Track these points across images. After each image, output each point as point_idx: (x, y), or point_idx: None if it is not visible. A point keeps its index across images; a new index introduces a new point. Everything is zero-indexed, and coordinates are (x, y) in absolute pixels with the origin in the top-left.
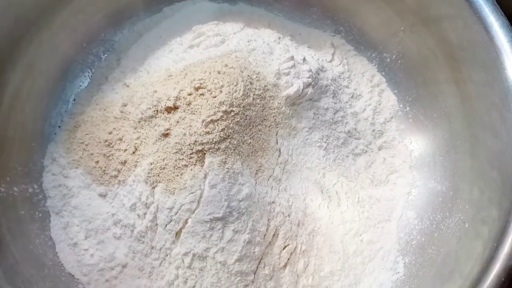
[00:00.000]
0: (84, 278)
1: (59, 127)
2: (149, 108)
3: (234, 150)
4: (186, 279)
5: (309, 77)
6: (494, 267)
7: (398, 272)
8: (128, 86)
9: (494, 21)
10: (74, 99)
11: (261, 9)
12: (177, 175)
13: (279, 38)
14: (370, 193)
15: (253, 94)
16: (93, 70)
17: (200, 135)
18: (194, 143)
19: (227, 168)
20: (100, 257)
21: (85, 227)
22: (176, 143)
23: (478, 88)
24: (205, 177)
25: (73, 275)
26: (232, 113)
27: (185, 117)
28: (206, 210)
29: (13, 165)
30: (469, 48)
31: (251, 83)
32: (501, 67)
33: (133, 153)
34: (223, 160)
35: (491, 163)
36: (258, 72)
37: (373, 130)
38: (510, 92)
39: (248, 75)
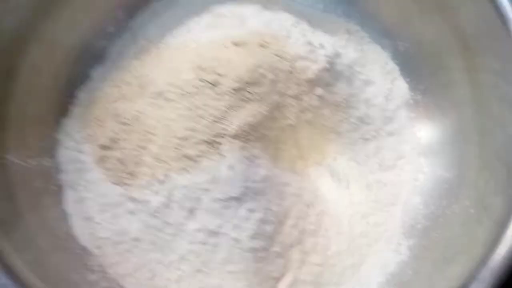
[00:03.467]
0: (97, 251)
1: (74, 103)
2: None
3: (255, 140)
4: (199, 254)
5: (326, 62)
6: (498, 250)
7: (402, 254)
8: (142, 62)
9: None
10: (90, 75)
11: None
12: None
13: (297, 22)
14: (378, 177)
15: (272, 78)
16: (109, 48)
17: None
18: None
19: (246, 151)
20: (113, 231)
21: (99, 202)
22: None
23: (490, 77)
24: (222, 158)
25: (86, 248)
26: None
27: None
28: (222, 189)
29: (28, 139)
30: (484, 38)
31: (271, 68)
32: None
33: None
34: (242, 146)
35: (497, 154)
36: (276, 55)
37: (384, 117)
38: None
39: (268, 59)
